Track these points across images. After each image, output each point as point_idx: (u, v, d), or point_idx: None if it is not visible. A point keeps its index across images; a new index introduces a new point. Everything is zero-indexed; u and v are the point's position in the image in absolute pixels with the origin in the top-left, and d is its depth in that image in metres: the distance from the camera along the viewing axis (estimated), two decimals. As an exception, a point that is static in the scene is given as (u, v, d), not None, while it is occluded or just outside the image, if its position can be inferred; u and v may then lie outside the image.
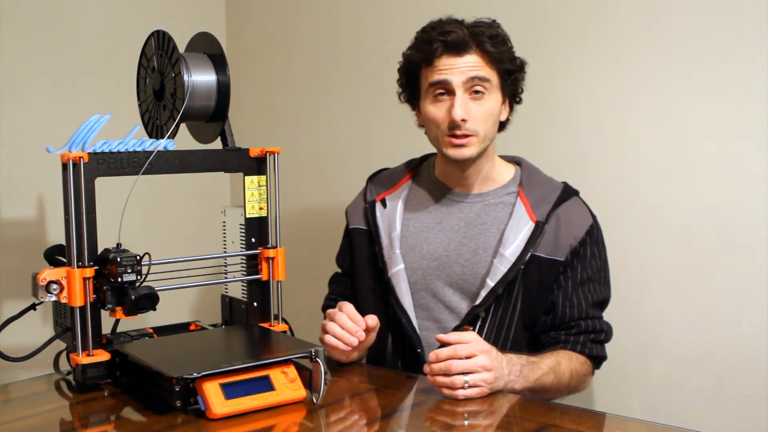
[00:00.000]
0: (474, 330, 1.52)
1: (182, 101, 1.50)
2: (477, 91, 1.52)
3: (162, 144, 1.46)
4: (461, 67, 1.51)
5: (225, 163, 1.55)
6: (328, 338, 1.48)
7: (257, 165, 1.57)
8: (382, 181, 1.75)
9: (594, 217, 1.62)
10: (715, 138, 1.69)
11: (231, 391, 1.27)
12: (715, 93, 1.68)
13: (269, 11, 2.45)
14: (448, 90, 1.53)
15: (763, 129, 1.63)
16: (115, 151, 1.41)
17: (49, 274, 1.37)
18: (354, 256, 1.71)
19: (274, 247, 1.58)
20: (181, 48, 1.57)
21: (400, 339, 1.61)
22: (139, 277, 1.38)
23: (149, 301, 1.39)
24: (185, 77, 1.51)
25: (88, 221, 1.39)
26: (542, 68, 1.87)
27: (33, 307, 1.51)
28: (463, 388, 1.33)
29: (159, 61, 1.56)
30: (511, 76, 1.57)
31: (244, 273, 1.59)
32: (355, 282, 1.70)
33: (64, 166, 1.38)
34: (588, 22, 1.83)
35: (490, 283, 1.54)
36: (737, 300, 1.68)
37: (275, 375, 1.32)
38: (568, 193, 1.62)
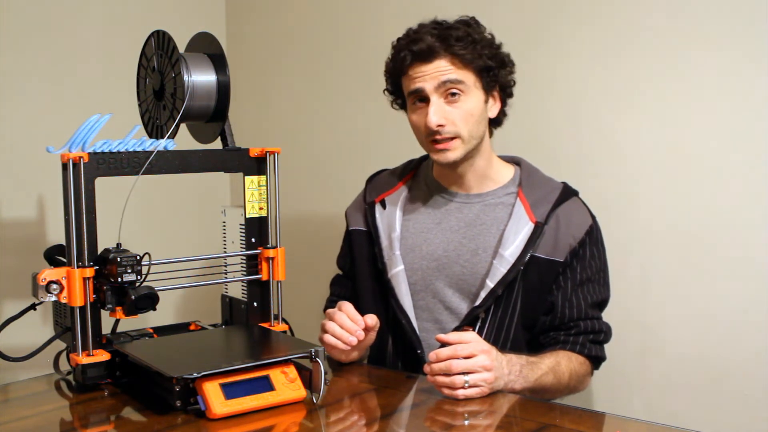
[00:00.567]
0: (474, 331, 1.52)
1: (182, 101, 1.50)
2: (453, 94, 1.52)
3: (162, 144, 1.46)
4: (432, 73, 1.52)
5: (225, 163, 1.55)
6: (328, 338, 1.48)
7: (257, 165, 1.57)
8: (381, 182, 1.75)
9: (593, 217, 1.62)
10: (715, 138, 1.69)
11: (231, 391, 1.27)
12: (715, 93, 1.68)
13: (269, 11, 2.45)
14: (423, 97, 1.54)
15: (764, 129, 1.63)
16: (115, 151, 1.41)
17: (49, 274, 1.37)
18: (354, 258, 1.71)
19: (274, 247, 1.58)
20: (181, 48, 1.57)
21: (401, 340, 1.61)
22: (139, 277, 1.38)
23: (149, 301, 1.39)
24: (185, 77, 1.51)
25: (88, 221, 1.39)
26: (542, 68, 1.87)
27: (33, 307, 1.51)
28: (463, 387, 1.33)
29: (159, 61, 1.56)
30: (489, 72, 1.55)
31: (244, 273, 1.59)
32: (356, 283, 1.70)
33: (64, 166, 1.38)
34: (588, 22, 1.83)
35: (490, 283, 1.54)
36: (737, 300, 1.68)
37: (275, 375, 1.32)
38: (567, 193, 1.62)
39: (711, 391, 1.72)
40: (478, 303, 1.55)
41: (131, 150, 1.43)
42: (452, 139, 1.53)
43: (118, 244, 1.42)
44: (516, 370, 1.40)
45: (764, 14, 1.61)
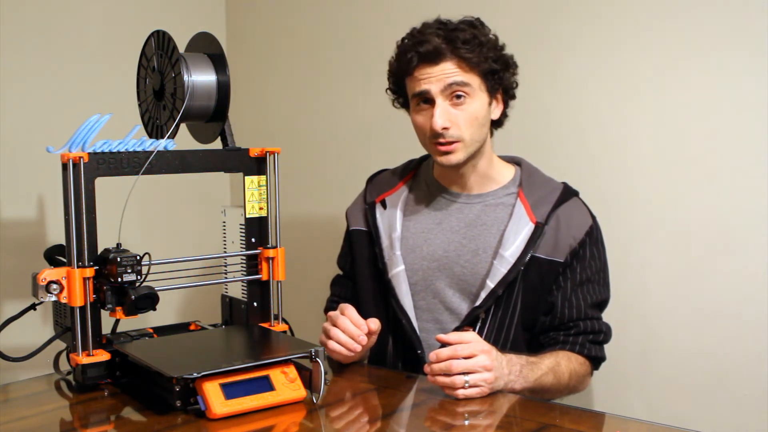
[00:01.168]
0: (474, 331, 1.52)
1: (182, 101, 1.50)
2: (458, 96, 1.52)
3: (162, 144, 1.46)
4: (438, 75, 1.51)
5: (225, 163, 1.55)
6: (332, 344, 1.49)
7: (257, 165, 1.57)
8: (381, 182, 1.74)
9: (594, 217, 1.62)
10: (715, 138, 1.69)
11: (231, 391, 1.27)
12: (715, 93, 1.68)
13: (269, 11, 2.45)
14: (428, 99, 1.53)
15: (764, 129, 1.63)
16: (115, 151, 1.41)
17: (49, 274, 1.37)
18: (354, 258, 1.71)
19: (274, 247, 1.58)
20: (181, 48, 1.57)
21: (401, 340, 1.61)
22: (139, 277, 1.38)
23: (149, 301, 1.39)
24: (185, 77, 1.51)
25: (88, 221, 1.38)
26: (542, 68, 1.87)
27: (33, 307, 1.51)
28: (463, 387, 1.33)
29: (159, 61, 1.56)
30: (494, 75, 1.55)
31: (244, 273, 1.59)
32: (356, 283, 1.70)
33: (64, 166, 1.38)
34: (588, 22, 1.83)
35: (490, 284, 1.54)
36: (737, 300, 1.68)
37: (275, 375, 1.32)
38: (567, 193, 1.61)
39: (711, 391, 1.72)
40: (478, 303, 1.54)
41: (131, 150, 1.43)
42: (455, 141, 1.53)
43: (118, 244, 1.42)
44: (516, 370, 1.40)
45: (764, 14, 1.61)
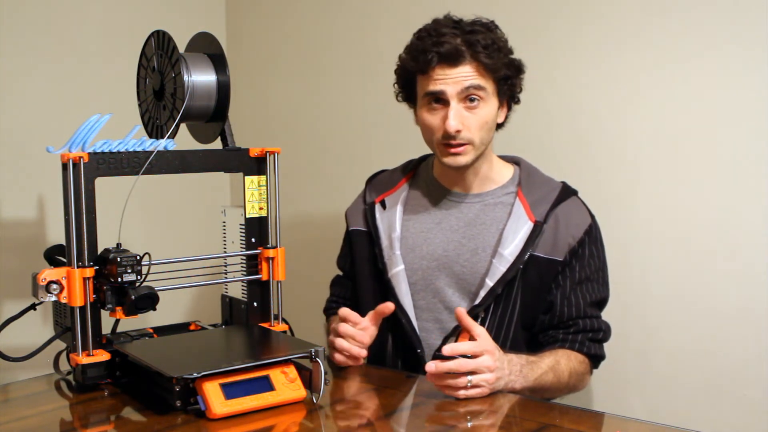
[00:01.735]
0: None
1: (182, 101, 1.50)
2: (472, 99, 1.52)
3: (162, 144, 1.46)
4: (456, 77, 1.51)
5: (225, 163, 1.55)
6: (339, 357, 1.51)
7: (257, 165, 1.57)
8: (381, 182, 1.75)
9: (593, 216, 1.62)
10: (715, 138, 1.69)
11: (231, 391, 1.27)
12: (715, 92, 1.68)
13: (269, 11, 2.45)
14: (441, 99, 1.53)
15: (763, 129, 1.63)
16: (115, 151, 1.41)
17: (49, 274, 1.37)
18: (354, 258, 1.71)
19: (274, 247, 1.58)
20: (181, 48, 1.57)
21: (400, 339, 1.61)
22: (139, 277, 1.38)
23: (149, 301, 1.39)
24: (185, 77, 1.51)
25: (88, 221, 1.39)
26: (542, 68, 1.87)
27: (33, 307, 1.51)
28: (465, 387, 1.33)
29: (159, 61, 1.56)
30: (507, 81, 1.56)
31: (244, 273, 1.59)
32: (356, 283, 1.70)
33: (64, 166, 1.38)
34: (588, 22, 1.83)
35: (490, 282, 1.54)
36: (737, 300, 1.68)
37: (275, 375, 1.32)
38: (566, 192, 1.62)
39: (711, 391, 1.72)
40: (477, 302, 1.55)
41: (131, 150, 1.43)
42: (465, 144, 1.53)
43: (118, 244, 1.42)
44: (516, 369, 1.40)
45: (765, 14, 1.61)
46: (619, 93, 1.80)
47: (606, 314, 1.61)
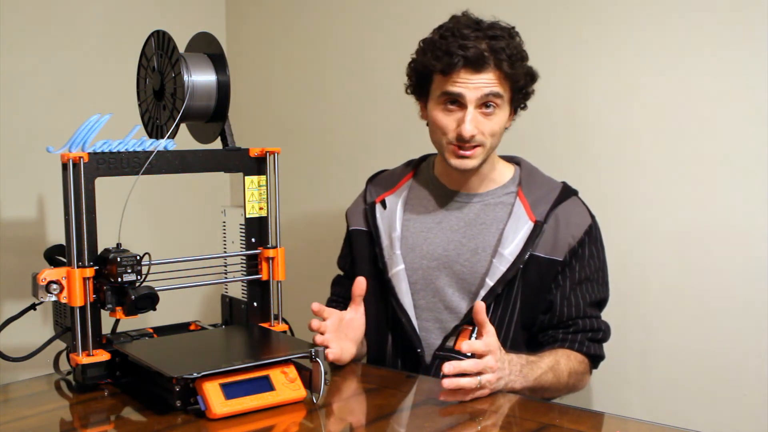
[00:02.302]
0: (473, 330, 1.52)
1: (182, 101, 1.50)
2: (488, 106, 1.52)
3: (162, 144, 1.46)
4: (477, 83, 1.51)
5: (225, 163, 1.55)
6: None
7: (257, 165, 1.57)
8: (381, 182, 1.75)
9: (593, 216, 1.62)
10: (715, 138, 1.69)
11: (231, 391, 1.27)
12: (715, 93, 1.68)
13: (269, 11, 2.45)
14: (459, 102, 1.53)
15: (764, 128, 1.63)
16: (115, 151, 1.41)
17: (49, 274, 1.37)
18: (354, 258, 1.71)
19: (274, 247, 1.58)
20: (181, 48, 1.57)
21: (400, 339, 1.61)
22: (139, 277, 1.38)
23: (149, 301, 1.39)
24: (185, 77, 1.51)
25: (88, 221, 1.39)
26: (542, 68, 1.86)
27: (33, 307, 1.51)
28: (476, 389, 1.32)
29: (159, 61, 1.56)
30: (522, 90, 1.57)
31: (244, 273, 1.59)
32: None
33: (64, 166, 1.38)
34: (589, 21, 1.83)
35: (490, 282, 1.54)
36: (737, 300, 1.68)
37: (275, 375, 1.32)
38: (567, 192, 1.62)
39: (711, 391, 1.72)
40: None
41: (131, 150, 1.43)
42: (477, 146, 1.54)
43: (118, 244, 1.42)
44: (516, 369, 1.40)
45: (765, 14, 1.61)
46: (619, 93, 1.80)
47: (606, 314, 1.61)
